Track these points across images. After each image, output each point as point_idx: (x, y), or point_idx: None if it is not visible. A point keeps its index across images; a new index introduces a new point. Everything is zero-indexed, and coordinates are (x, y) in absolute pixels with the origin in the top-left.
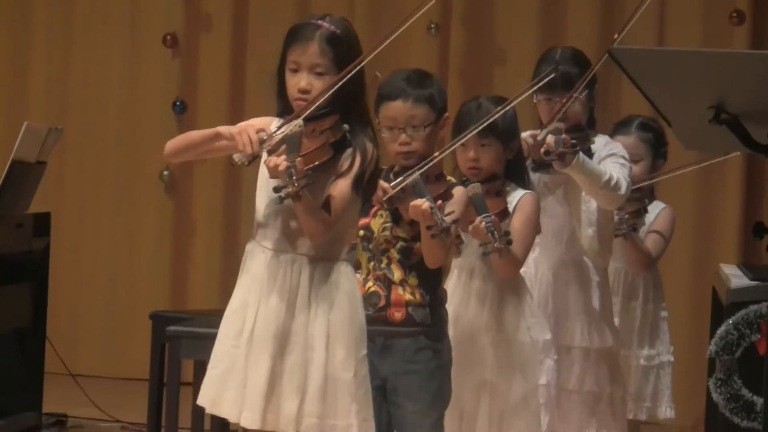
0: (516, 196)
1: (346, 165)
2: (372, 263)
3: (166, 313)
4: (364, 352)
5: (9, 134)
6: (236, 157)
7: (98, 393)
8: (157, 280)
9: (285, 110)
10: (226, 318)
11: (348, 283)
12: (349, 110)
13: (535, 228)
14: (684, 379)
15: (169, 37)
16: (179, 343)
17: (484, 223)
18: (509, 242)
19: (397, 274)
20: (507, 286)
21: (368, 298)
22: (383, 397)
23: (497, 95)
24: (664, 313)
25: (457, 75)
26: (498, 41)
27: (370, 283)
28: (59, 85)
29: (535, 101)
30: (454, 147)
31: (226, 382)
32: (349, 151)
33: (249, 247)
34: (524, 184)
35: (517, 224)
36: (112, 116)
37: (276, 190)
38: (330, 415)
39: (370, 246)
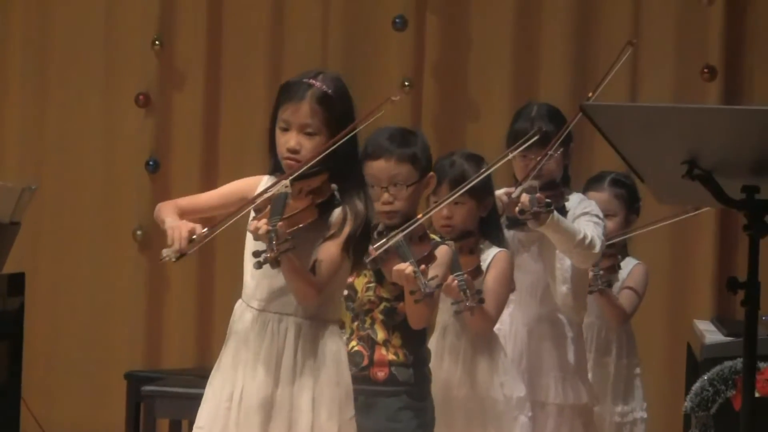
0: (490, 254)
1: (335, 226)
2: (356, 323)
3: (141, 372)
4: (351, 414)
5: None
6: (164, 252)
7: None
8: (132, 339)
9: (276, 167)
10: (216, 378)
11: (335, 345)
12: (340, 170)
13: (508, 285)
14: None
15: (141, 97)
16: (154, 403)
17: (456, 281)
18: (481, 301)
19: (380, 335)
20: (480, 342)
21: (351, 358)
22: None
23: (470, 151)
24: (637, 369)
25: (431, 129)
26: (471, 95)
27: (353, 343)
28: (33, 142)
29: (510, 156)
30: (440, 207)
31: None
32: (338, 211)
33: (237, 306)
34: (498, 241)
35: (490, 282)
36: (87, 174)
37: (255, 254)
38: None
39: (354, 305)
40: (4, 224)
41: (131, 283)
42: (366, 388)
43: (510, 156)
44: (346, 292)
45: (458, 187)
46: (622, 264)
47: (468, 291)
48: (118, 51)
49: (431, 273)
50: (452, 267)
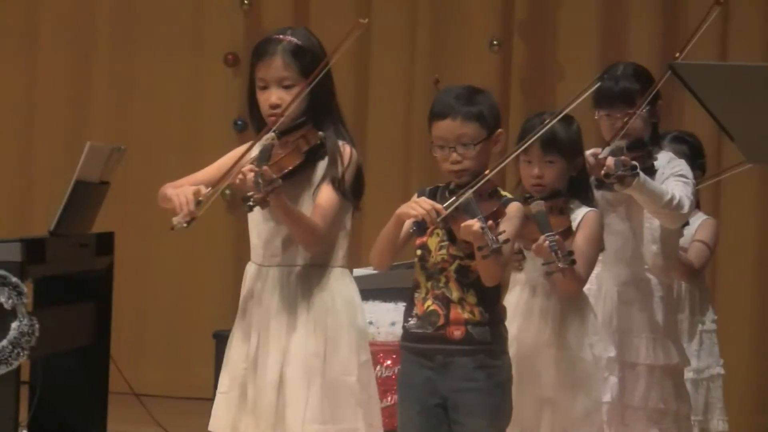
0: (579, 214)
1: (326, 171)
2: (430, 282)
3: (229, 332)
4: (366, 356)
5: (71, 154)
6: (174, 220)
7: (162, 412)
8: (220, 298)
9: (260, 128)
10: (232, 341)
11: (344, 288)
12: (320, 114)
13: (598, 245)
14: (746, 391)
15: (230, 56)
16: None
17: (548, 242)
18: (572, 262)
19: (455, 293)
20: (570, 303)
21: (427, 317)
22: (444, 415)
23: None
24: (712, 325)
25: (519, 89)
26: (559, 57)
27: (429, 302)
28: (122, 104)
29: (596, 117)
30: (504, 164)
31: (243, 406)
32: (327, 158)
33: (247, 268)
34: (588, 200)
35: (580, 242)
36: (174, 135)
37: (244, 199)
38: (334, 420)
39: (428, 265)
40: (94, 184)
41: (219, 242)
42: (442, 348)
43: (570, 107)
44: (419, 252)
45: (522, 142)
46: (691, 219)
47: (559, 252)
48: (207, 11)
49: (501, 228)
50: (542, 227)
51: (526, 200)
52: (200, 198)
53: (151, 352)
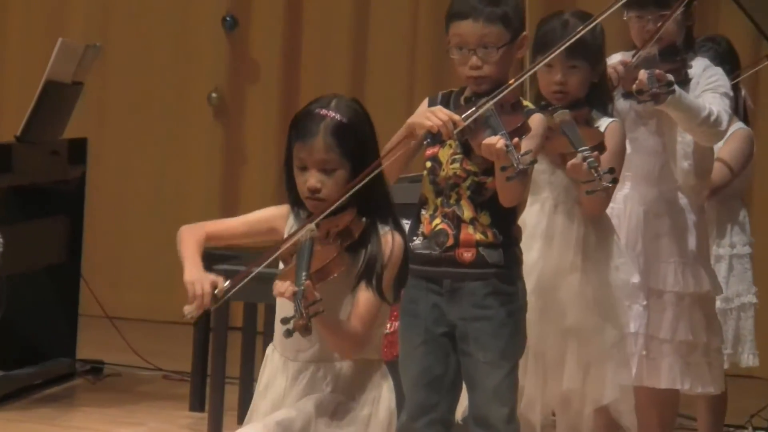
0: (603, 124)
1: (363, 267)
2: (440, 199)
3: (213, 251)
4: None
5: (44, 52)
6: (186, 309)
7: (138, 338)
8: (205, 214)
9: (296, 202)
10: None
11: (380, 388)
12: (368, 202)
13: (623, 161)
14: None
15: None
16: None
17: (586, 160)
18: (615, 180)
19: (467, 212)
20: (593, 224)
21: (434, 237)
22: (452, 344)
23: (581, 10)
24: (745, 249)
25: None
26: None
27: (437, 221)
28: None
29: (625, 18)
30: (533, 70)
31: None
32: (368, 250)
33: (268, 351)
34: (607, 111)
35: (605, 157)
36: (156, 32)
37: (284, 321)
38: None
39: (437, 179)
40: (65, 84)
41: (205, 152)
42: (451, 271)
43: (611, 10)
44: (429, 164)
45: (559, 44)
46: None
47: (599, 170)
48: None
49: (524, 146)
50: (575, 141)
51: (545, 109)
52: (218, 293)
53: (127, 272)
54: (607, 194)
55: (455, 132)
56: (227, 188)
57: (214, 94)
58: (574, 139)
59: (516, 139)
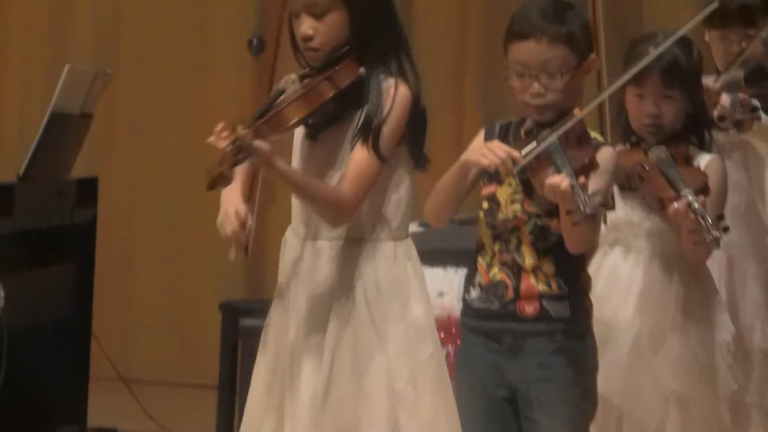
0: (702, 161)
1: (360, 122)
2: (498, 244)
3: (239, 302)
4: (429, 352)
5: (50, 80)
6: (231, 254)
7: (155, 402)
8: (228, 261)
9: (306, 63)
10: (273, 315)
11: (397, 269)
12: (366, 46)
13: (725, 202)
14: None
15: None
16: (255, 341)
17: (692, 209)
18: (726, 229)
19: (528, 260)
20: (694, 275)
21: (493, 288)
22: (513, 410)
23: (673, 30)
24: None
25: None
26: None
27: (495, 269)
28: (110, 20)
29: (707, 38)
30: (600, 100)
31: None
32: (367, 104)
33: (286, 233)
34: (706, 144)
35: (709, 200)
36: (174, 57)
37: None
38: None
39: (496, 222)
40: (73, 116)
41: None
42: (511, 326)
43: (684, 31)
44: (486, 205)
45: (629, 71)
46: None
47: (707, 218)
48: None
49: (592, 185)
50: (676, 183)
51: (637, 145)
52: (243, 218)
53: (142, 328)
54: (717, 246)
55: (516, 171)
56: (255, 232)
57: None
58: (675, 180)
59: (582, 178)
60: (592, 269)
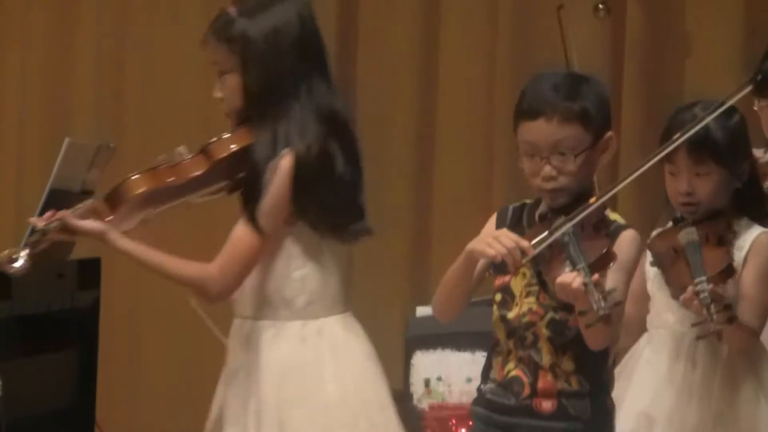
0: (748, 238)
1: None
2: (512, 340)
3: None
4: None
5: (48, 153)
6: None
7: None
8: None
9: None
10: None
11: (285, 350)
12: (258, 110)
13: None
14: None
15: None
16: None
17: (698, 296)
18: (730, 320)
19: (546, 357)
20: (741, 359)
21: (508, 385)
22: None
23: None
24: None
25: (634, 70)
26: (687, 25)
27: (510, 366)
28: (111, 83)
29: (756, 108)
30: (620, 188)
31: None
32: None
33: None
34: (761, 217)
35: (751, 277)
36: (183, 123)
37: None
38: None
39: (510, 316)
40: (73, 193)
41: None
42: (527, 423)
43: (722, 109)
44: (499, 297)
45: (656, 153)
46: None
47: (713, 306)
48: None
49: (610, 281)
50: (693, 268)
51: (677, 224)
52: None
53: (150, 416)
54: (740, 332)
55: (525, 262)
56: None
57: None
58: (694, 265)
59: (596, 276)
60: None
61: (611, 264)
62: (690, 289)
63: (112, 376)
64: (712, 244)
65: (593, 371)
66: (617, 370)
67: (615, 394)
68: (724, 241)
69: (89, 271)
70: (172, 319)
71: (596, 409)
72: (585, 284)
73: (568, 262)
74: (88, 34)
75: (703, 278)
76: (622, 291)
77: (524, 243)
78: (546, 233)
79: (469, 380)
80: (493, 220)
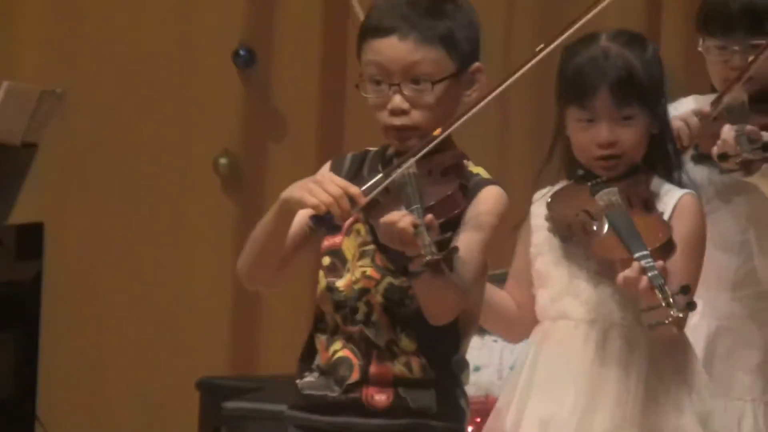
0: (669, 200)
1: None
2: (341, 313)
3: (222, 380)
4: None
5: None
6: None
7: None
8: (209, 328)
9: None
10: None
11: None
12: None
13: (704, 250)
14: None
15: None
16: (243, 427)
17: (646, 276)
18: (691, 305)
19: (381, 333)
20: (663, 354)
21: (333, 369)
22: None
23: (625, 29)
24: None
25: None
26: None
27: (337, 345)
28: (65, 22)
29: (700, 48)
30: (469, 116)
31: None
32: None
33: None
34: (672, 177)
35: (676, 260)
36: (142, 71)
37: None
38: None
39: (339, 284)
40: (12, 147)
41: (210, 237)
42: (355, 422)
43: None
44: (328, 261)
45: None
46: None
47: (666, 291)
48: None
49: (462, 242)
50: (629, 239)
51: (582, 180)
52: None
53: (99, 410)
54: (680, 328)
55: (355, 211)
56: (240, 291)
57: (222, 160)
58: (629, 237)
59: (430, 216)
60: (527, 355)
61: (455, 211)
62: (635, 265)
63: (57, 363)
64: (638, 209)
65: (440, 355)
66: (507, 377)
67: (505, 401)
68: (651, 205)
69: (30, 238)
70: (133, 299)
71: (444, 403)
72: (415, 224)
73: (403, 206)
74: None
75: (647, 252)
76: (474, 250)
77: (353, 189)
78: (380, 176)
79: (476, 368)
80: (326, 170)
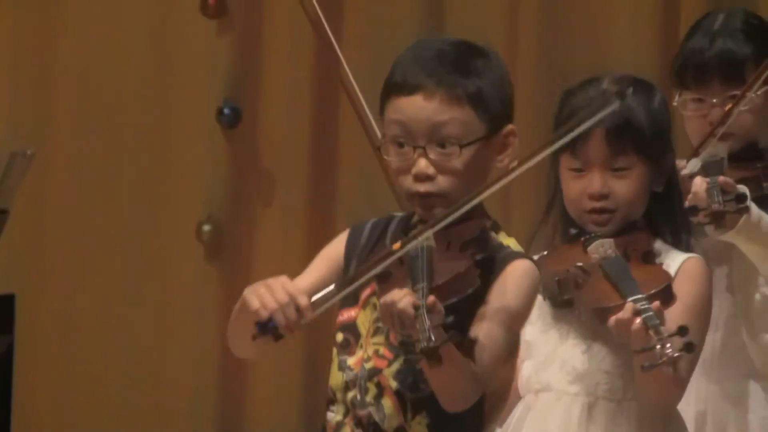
0: (672, 263)
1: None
2: (351, 393)
3: None
4: None
5: None
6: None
7: None
8: (196, 392)
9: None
10: None
11: None
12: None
13: (709, 315)
14: None
15: (212, 0)
16: None
17: (640, 318)
18: (689, 347)
19: (392, 418)
20: (656, 423)
21: None
22: None
23: (627, 74)
24: None
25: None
26: None
27: (346, 430)
28: (35, 78)
29: (675, 102)
30: (504, 183)
31: None
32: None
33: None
34: (681, 239)
35: (679, 309)
36: (120, 130)
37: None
38: None
39: (350, 362)
40: None
41: (193, 305)
42: None
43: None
44: (341, 337)
45: (555, 135)
46: None
47: (662, 331)
48: None
49: (484, 327)
50: (623, 285)
51: (575, 239)
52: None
53: None
54: (677, 370)
55: (304, 322)
56: (226, 357)
57: (206, 226)
58: (622, 281)
59: (432, 298)
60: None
61: (468, 291)
62: (628, 306)
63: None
64: (636, 261)
65: None
66: None
67: None
68: (649, 258)
69: (1, 311)
70: (111, 366)
71: None
72: (416, 306)
73: (410, 280)
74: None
75: (642, 296)
76: (496, 332)
77: (303, 300)
78: (333, 287)
79: None
80: (343, 239)
